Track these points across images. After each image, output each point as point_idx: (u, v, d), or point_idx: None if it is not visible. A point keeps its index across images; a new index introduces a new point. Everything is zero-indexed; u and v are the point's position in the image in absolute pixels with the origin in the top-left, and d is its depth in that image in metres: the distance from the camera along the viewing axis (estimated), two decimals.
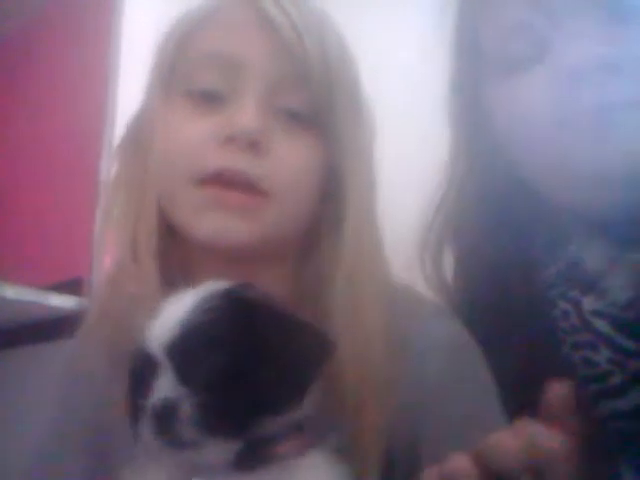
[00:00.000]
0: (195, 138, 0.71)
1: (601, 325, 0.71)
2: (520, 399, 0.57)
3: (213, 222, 0.70)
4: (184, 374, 0.54)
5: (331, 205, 0.74)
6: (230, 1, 0.76)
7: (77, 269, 1.58)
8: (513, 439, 0.49)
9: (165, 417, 0.53)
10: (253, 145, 0.69)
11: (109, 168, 0.84)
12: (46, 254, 1.68)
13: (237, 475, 0.55)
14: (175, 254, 0.74)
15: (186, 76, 0.74)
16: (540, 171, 0.74)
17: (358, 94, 0.75)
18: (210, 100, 0.72)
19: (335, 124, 0.72)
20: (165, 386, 0.54)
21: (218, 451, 0.54)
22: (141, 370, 0.57)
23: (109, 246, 0.84)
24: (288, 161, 0.71)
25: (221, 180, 0.69)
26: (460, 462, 0.50)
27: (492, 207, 0.79)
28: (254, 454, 0.55)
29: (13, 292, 1.50)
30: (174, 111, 0.73)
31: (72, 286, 1.56)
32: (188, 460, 0.55)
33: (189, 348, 0.54)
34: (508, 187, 0.78)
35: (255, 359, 0.54)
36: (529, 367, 0.71)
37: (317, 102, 0.71)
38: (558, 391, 0.50)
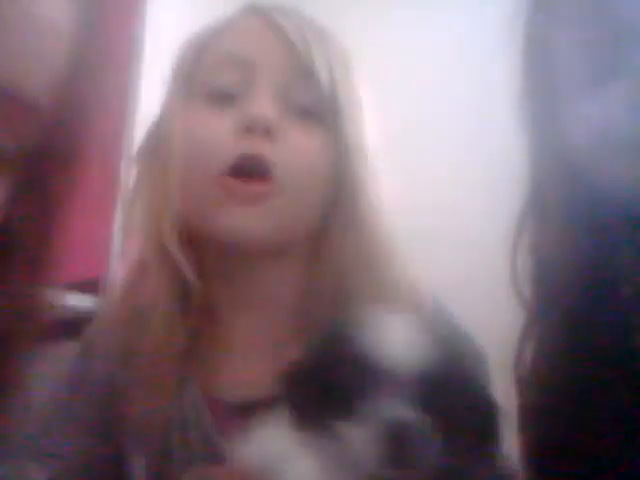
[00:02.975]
0: (215, 132, 0.76)
1: None
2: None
3: (233, 215, 0.74)
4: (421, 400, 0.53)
5: (339, 206, 0.78)
6: (243, 13, 0.83)
7: (94, 270, 1.58)
8: None
9: (404, 438, 0.51)
10: (269, 132, 0.75)
11: (128, 170, 0.85)
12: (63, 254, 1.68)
13: None
14: (188, 256, 0.77)
15: (204, 79, 0.80)
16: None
17: (358, 94, 0.82)
18: (227, 98, 0.78)
19: (339, 120, 0.78)
20: (398, 408, 0.52)
21: None
22: (355, 378, 0.54)
23: (125, 249, 0.85)
24: (299, 151, 0.77)
25: (241, 170, 0.74)
26: None
27: (576, 217, 0.74)
28: None
29: None
30: (194, 112, 0.79)
31: (89, 286, 1.56)
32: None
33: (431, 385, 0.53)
34: (593, 197, 0.72)
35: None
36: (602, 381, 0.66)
37: (323, 100, 0.78)
38: None
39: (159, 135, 0.81)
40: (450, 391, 0.54)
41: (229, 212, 0.74)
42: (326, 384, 0.54)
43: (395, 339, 0.55)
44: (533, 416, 0.68)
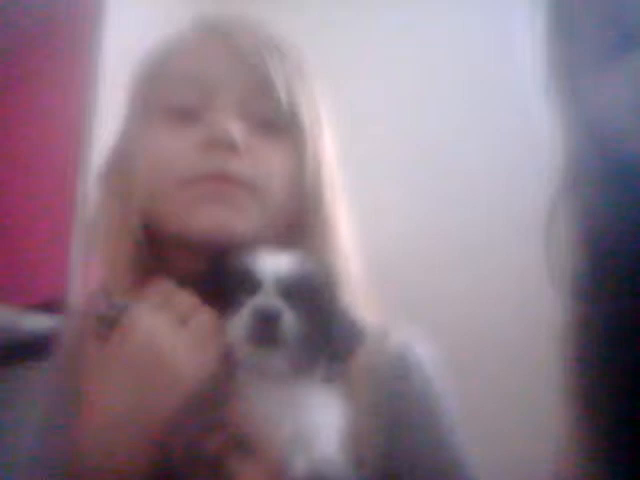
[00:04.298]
0: (180, 148, 0.78)
1: None
2: None
3: (208, 215, 0.76)
4: (286, 297, 0.69)
5: (303, 214, 0.81)
6: (200, 31, 0.84)
7: (52, 290, 1.57)
8: None
9: (269, 318, 0.67)
10: (233, 147, 0.76)
11: (87, 191, 0.85)
12: (21, 274, 1.66)
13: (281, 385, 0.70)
14: (153, 253, 0.79)
15: (162, 98, 0.81)
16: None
17: (318, 104, 0.84)
18: (188, 116, 0.79)
19: (299, 133, 0.80)
20: (268, 298, 0.69)
21: (283, 361, 0.69)
22: (239, 283, 0.70)
23: (85, 268, 0.86)
24: (263, 160, 0.79)
25: (209, 179, 0.76)
26: None
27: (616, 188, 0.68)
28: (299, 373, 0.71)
29: None
30: (155, 130, 0.80)
31: (49, 307, 1.55)
32: (259, 363, 0.69)
33: (293, 285, 0.70)
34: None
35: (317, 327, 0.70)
36: None
37: (282, 114, 0.80)
38: None
39: (120, 156, 0.82)
40: (305, 289, 0.70)
41: (205, 210, 0.76)
42: (218, 287, 0.72)
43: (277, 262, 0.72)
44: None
